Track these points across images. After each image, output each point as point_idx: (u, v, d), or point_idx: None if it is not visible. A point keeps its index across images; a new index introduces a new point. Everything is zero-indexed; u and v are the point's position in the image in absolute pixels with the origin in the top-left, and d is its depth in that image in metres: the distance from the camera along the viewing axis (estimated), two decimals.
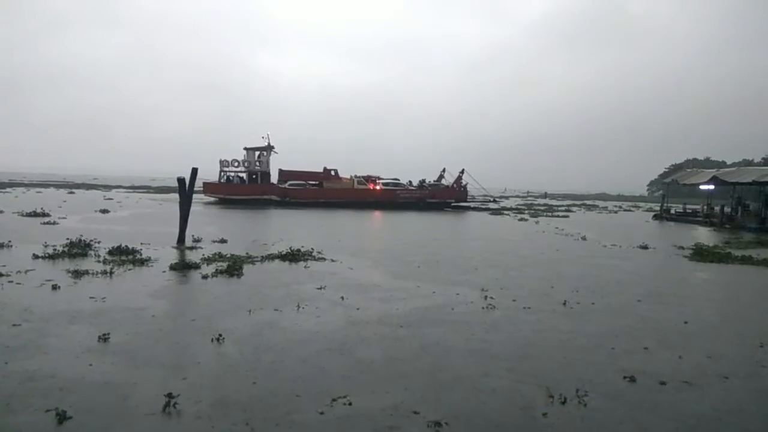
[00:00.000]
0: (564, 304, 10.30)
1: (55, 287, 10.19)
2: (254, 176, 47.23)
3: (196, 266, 12.91)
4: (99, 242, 15.69)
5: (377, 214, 38.83)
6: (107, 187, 71.18)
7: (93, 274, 11.62)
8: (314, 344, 7.34)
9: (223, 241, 18.04)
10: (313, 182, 48.82)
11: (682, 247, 21.11)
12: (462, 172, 51.90)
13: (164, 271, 12.33)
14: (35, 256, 13.49)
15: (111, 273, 11.80)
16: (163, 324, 8.09)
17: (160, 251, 15.37)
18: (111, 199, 44.35)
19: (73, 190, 57.82)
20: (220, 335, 7.36)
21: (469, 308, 9.78)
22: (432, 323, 8.66)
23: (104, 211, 30.12)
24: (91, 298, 9.51)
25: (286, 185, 47.40)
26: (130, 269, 12.51)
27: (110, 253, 14.34)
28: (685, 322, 9.34)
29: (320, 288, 11.07)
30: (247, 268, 13.10)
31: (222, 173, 48.36)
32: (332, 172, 50.44)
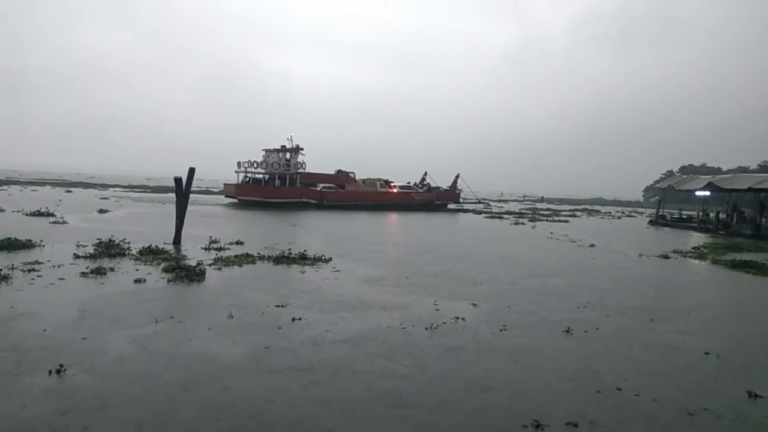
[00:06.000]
0: (567, 331, 8.90)
1: None
2: (284, 179, 46.46)
3: (191, 269, 12.53)
4: (129, 243, 15.81)
5: (395, 216, 40.75)
6: (104, 186, 70.94)
7: (93, 274, 11.71)
8: (170, 380, 6.12)
9: (239, 243, 17.98)
10: (332, 185, 49.11)
11: (701, 255, 21.25)
12: (457, 176, 54.88)
13: (149, 274, 12.15)
14: (76, 256, 13.81)
15: (103, 273, 11.89)
16: (43, 341, 7.16)
17: (191, 251, 15.83)
18: (107, 198, 44.27)
19: (70, 189, 57.60)
20: (62, 366, 6.19)
21: (424, 330, 8.57)
22: (364, 351, 7.45)
23: (102, 211, 30.04)
24: None
25: (320, 188, 47.35)
26: (137, 269, 12.58)
27: (140, 252, 14.67)
28: (706, 353, 8.02)
29: (281, 305, 9.77)
30: (225, 272, 12.97)
31: (245, 175, 47.86)
32: (351, 175, 51.33)
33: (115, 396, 5.63)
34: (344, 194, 48.49)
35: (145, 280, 11.41)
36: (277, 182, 46.72)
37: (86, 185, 71.03)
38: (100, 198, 43.84)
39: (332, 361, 7.03)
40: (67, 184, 69.61)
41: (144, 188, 71.34)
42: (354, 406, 5.65)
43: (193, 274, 12.02)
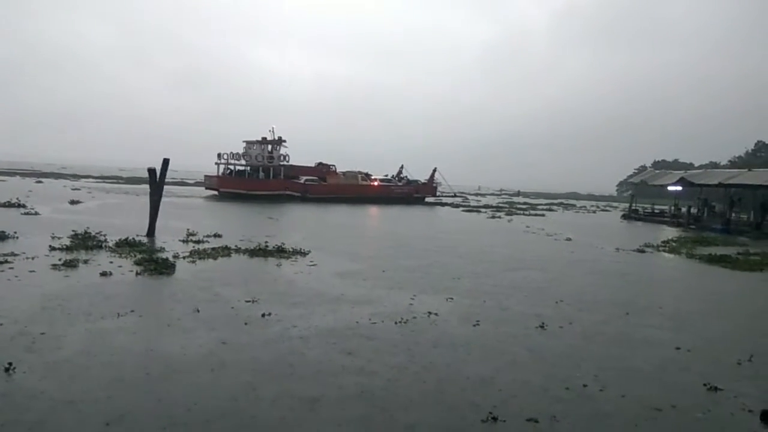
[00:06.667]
0: (541, 326, 8.81)
1: None
2: (268, 171, 46.11)
3: (160, 261, 12.31)
4: (105, 235, 15.48)
5: (375, 209, 40.94)
6: (76, 177, 69.51)
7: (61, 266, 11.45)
8: (125, 379, 5.89)
9: (217, 235, 17.71)
10: (315, 177, 49.11)
11: (674, 249, 21.58)
12: (435, 170, 55.51)
13: (120, 267, 11.89)
14: (51, 248, 13.50)
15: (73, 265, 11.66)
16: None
17: (169, 244, 15.55)
18: (78, 189, 43.38)
19: (41, 180, 56.27)
20: (10, 365, 5.94)
21: (394, 325, 8.42)
22: (330, 347, 7.28)
23: (74, 202, 29.39)
24: None
25: (303, 181, 47.18)
26: (111, 262, 12.36)
27: (117, 245, 14.45)
28: (677, 348, 8.05)
29: (251, 300, 9.54)
30: (198, 265, 12.79)
31: (225, 167, 47.38)
32: (331, 167, 51.36)
33: (64, 397, 5.40)
34: (327, 187, 48.64)
35: (111, 273, 11.12)
36: (261, 175, 46.36)
37: (58, 176, 69.44)
38: (72, 189, 42.93)
39: (296, 357, 6.90)
40: (38, 175, 67.95)
41: (117, 179, 70.05)
42: (316, 404, 5.56)
43: (162, 267, 11.77)
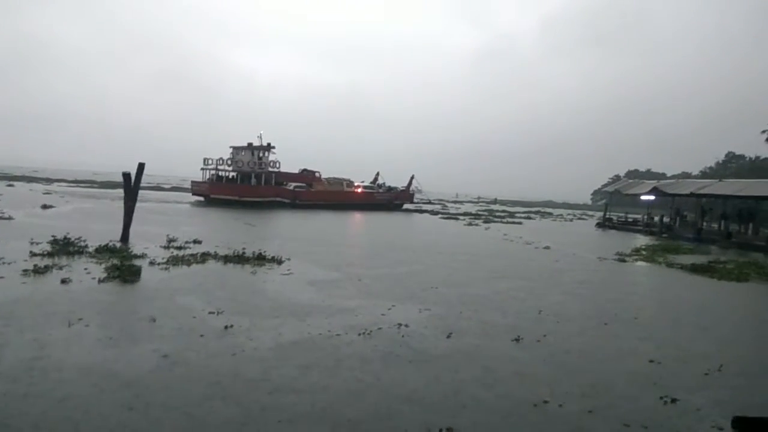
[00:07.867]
0: (516, 339, 8.58)
1: None
2: (259, 177, 45.86)
3: (125, 268, 11.93)
4: (85, 240, 15.09)
5: (358, 216, 41.50)
6: (48, 180, 68.22)
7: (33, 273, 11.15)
8: (56, 397, 5.54)
9: (197, 242, 17.47)
10: (303, 184, 49.29)
11: (650, 258, 21.89)
12: (412, 177, 56.37)
13: (88, 273, 11.61)
14: (32, 254, 13.21)
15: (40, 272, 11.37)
16: None
17: (150, 250, 15.27)
18: (50, 193, 42.56)
19: (12, 183, 55.10)
20: None
21: (357, 337, 8.19)
22: (282, 361, 6.94)
23: (46, 207, 28.76)
24: None
25: (292, 188, 47.29)
26: (86, 268, 12.09)
27: (97, 251, 14.19)
28: (651, 361, 7.87)
29: (215, 311, 9.09)
30: (171, 272, 12.59)
31: (211, 173, 47.06)
32: (316, 174, 51.41)
33: None
34: (315, 194, 49.02)
35: (71, 281, 10.75)
36: (254, 181, 46.05)
37: (30, 179, 68.04)
38: (43, 193, 42.09)
39: (243, 373, 6.50)
40: (9, 178, 66.53)
41: (91, 183, 68.95)
42: (249, 423, 5.25)
43: (126, 274, 11.43)
